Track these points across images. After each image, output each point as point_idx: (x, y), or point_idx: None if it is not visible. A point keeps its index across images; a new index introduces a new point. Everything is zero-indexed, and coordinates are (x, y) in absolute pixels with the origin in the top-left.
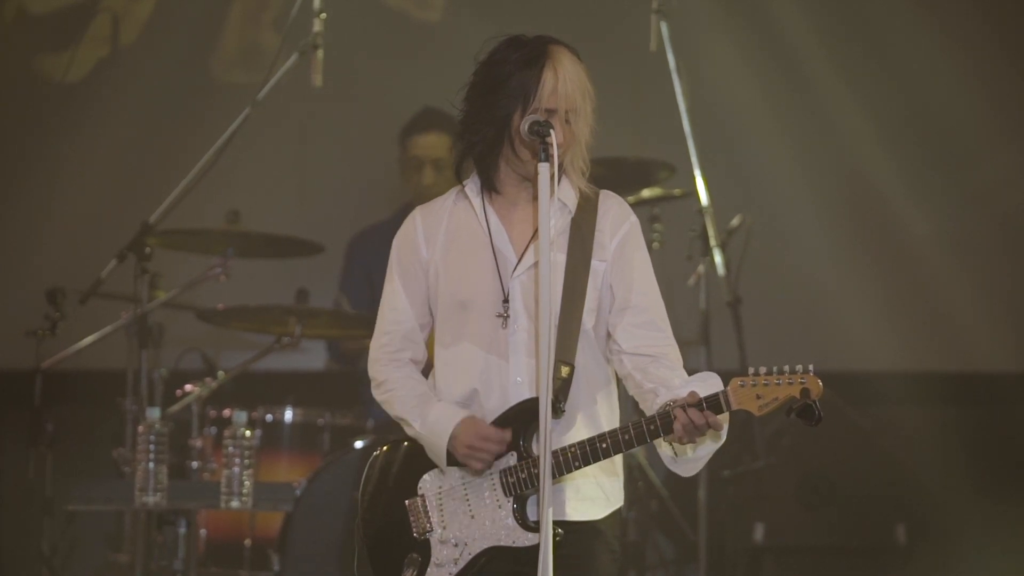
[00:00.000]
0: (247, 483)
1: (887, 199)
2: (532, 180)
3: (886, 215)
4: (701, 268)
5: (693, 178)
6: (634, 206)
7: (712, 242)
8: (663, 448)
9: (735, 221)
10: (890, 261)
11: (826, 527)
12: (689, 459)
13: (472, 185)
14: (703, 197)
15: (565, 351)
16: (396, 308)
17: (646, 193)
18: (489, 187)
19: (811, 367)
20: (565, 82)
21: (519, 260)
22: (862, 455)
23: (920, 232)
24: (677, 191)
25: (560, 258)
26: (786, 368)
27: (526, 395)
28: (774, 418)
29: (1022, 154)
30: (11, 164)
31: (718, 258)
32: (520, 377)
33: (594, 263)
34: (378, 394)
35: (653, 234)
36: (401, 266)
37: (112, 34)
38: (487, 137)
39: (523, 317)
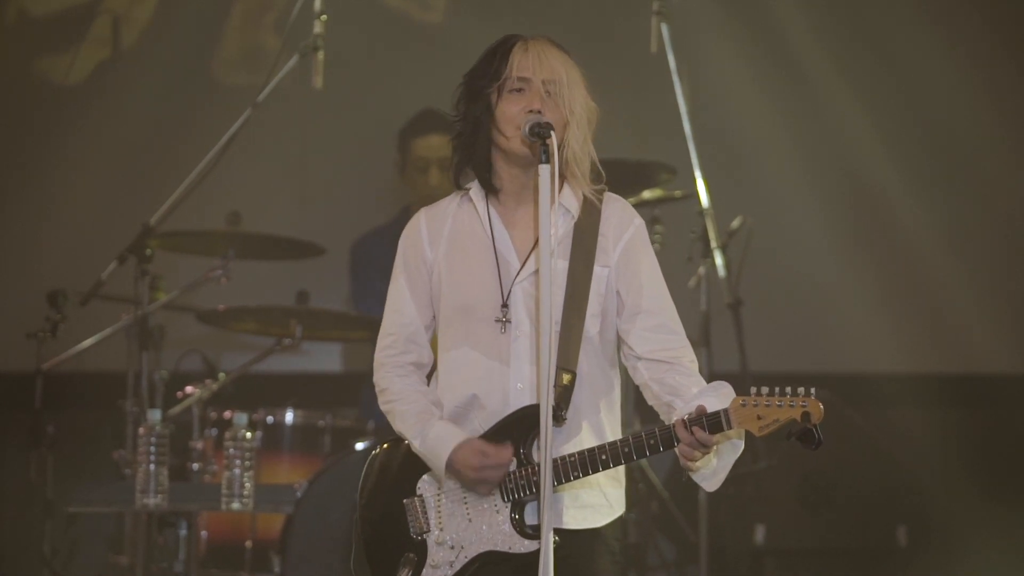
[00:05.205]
0: (248, 485)
1: (888, 200)
2: (526, 168)
3: (887, 216)
4: (702, 270)
5: (694, 180)
6: (635, 208)
7: (713, 244)
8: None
9: (736, 223)
10: (891, 262)
11: (827, 529)
12: (712, 469)
13: (476, 189)
14: (704, 199)
15: (567, 358)
16: (400, 310)
17: (647, 195)
18: (488, 187)
19: (812, 390)
20: (537, 54)
21: (522, 266)
22: (863, 457)
23: (921, 233)
24: (678, 193)
25: (562, 264)
26: (788, 390)
27: (526, 402)
28: None
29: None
30: (12, 166)
31: (719, 260)
32: (521, 383)
33: (596, 269)
34: (381, 403)
35: (654, 236)
36: (407, 265)
37: (113, 36)
38: (472, 121)
39: (525, 323)
